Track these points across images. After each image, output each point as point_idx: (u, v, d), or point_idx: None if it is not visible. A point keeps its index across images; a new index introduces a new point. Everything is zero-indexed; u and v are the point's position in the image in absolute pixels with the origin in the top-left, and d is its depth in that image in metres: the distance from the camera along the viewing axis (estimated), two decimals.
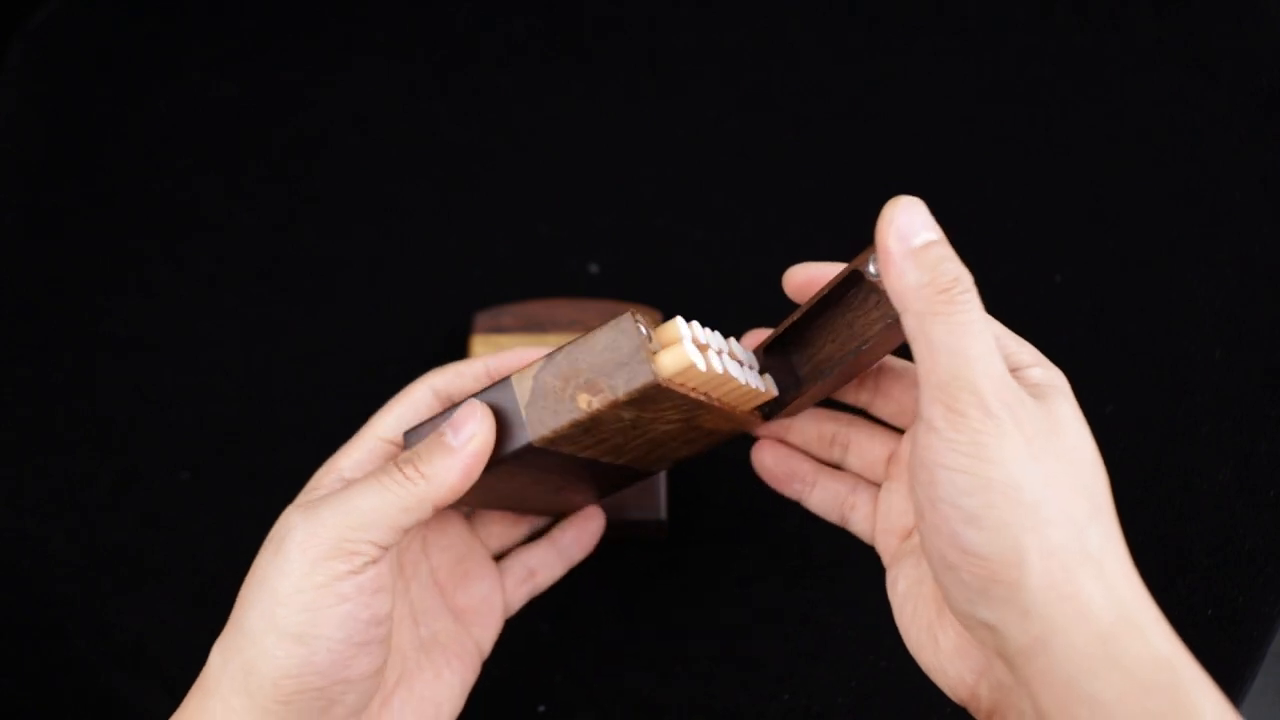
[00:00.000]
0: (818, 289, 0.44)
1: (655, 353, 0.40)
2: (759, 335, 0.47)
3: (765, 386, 0.45)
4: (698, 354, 0.41)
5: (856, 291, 0.44)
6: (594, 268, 0.66)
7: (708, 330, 0.43)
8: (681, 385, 0.41)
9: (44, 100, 0.73)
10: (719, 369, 0.42)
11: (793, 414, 0.48)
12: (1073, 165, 0.68)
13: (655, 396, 0.41)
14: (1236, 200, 0.66)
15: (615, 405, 0.41)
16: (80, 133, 0.71)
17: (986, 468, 0.36)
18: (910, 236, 0.37)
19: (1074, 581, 0.37)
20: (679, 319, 0.41)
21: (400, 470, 0.41)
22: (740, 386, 0.43)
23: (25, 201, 0.70)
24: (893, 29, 0.72)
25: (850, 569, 0.58)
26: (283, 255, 0.68)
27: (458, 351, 0.63)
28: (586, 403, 0.41)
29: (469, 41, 0.73)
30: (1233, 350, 0.62)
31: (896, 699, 0.57)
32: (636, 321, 0.40)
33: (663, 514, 0.58)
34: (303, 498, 0.45)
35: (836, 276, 0.43)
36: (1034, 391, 0.39)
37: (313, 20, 0.73)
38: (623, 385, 0.40)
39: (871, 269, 0.41)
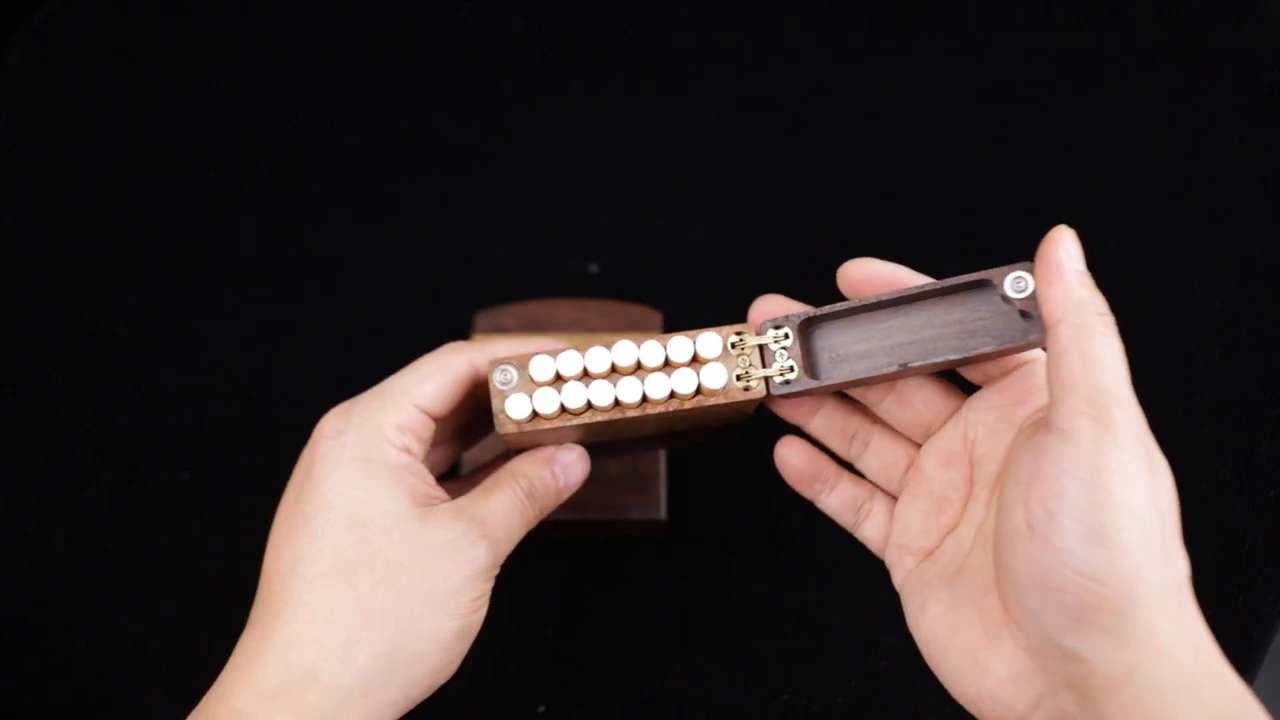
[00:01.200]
0: (874, 289, 0.44)
1: (503, 409, 0.43)
2: (773, 302, 0.45)
3: (694, 385, 0.43)
4: (547, 400, 0.43)
5: (932, 303, 0.43)
6: (594, 268, 0.66)
7: (599, 351, 0.43)
8: (551, 421, 0.44)
9: (44, 100, 0.73)
10: (577, 403, 0.43)
11: (805, 396, 0.46)
12: (1073, 165, 0.68)
13: (528, 436, 0.45)
14: (1236, 200, 0.66)
15: (509, 438, 0.45)
16: (80, 133, 0.71)
17: (1124, 488, 0.37)
18: (1077, 260, 0.40)
19: (1167, 615, 0.37)
20: (535, 359, 0.43)
21: (528, 504, 0.47)
22: (633, 403, 0.43)
23: (25, 201, 0.70)
24: (893, 29, 0.72)
25: (850, 569, 0.58)
26: (283, 255, 0.68)
27: None
28: (500, 426, 0.45)
29: (469, 41, 0.73)
30: (1233, 350, 0.62)
31: (896, 699, 0.57)
32: (496, 367, 0.43)
33: (663, 514, 0.58)
34: (331, 440, 0.46)
35: (924, 285, 0.43)
36: None
37: (313, 20, 0.73)
38: (499, 428, 0.44)
39: (1009, 289, 0.42)
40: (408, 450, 0.46)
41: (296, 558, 0.44)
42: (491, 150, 0.70)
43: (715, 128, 0.70)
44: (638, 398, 0.43)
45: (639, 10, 0.73)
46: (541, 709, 0.57)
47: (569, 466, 0.48)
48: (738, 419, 0.50)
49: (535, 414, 0.43)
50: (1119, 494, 0.37)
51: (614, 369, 0.43)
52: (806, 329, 0.44)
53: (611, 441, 0.51)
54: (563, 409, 0.43)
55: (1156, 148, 0.67)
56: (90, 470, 0.63)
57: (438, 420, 0.48)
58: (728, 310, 0.51)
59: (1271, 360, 0.62)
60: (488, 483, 0.47)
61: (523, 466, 0.48)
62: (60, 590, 0.60)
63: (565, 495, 0.49)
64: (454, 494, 0.48)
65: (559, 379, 0.43)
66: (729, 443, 0.54)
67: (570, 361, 0.43)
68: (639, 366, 0.43)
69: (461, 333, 0.64)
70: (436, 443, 0.52)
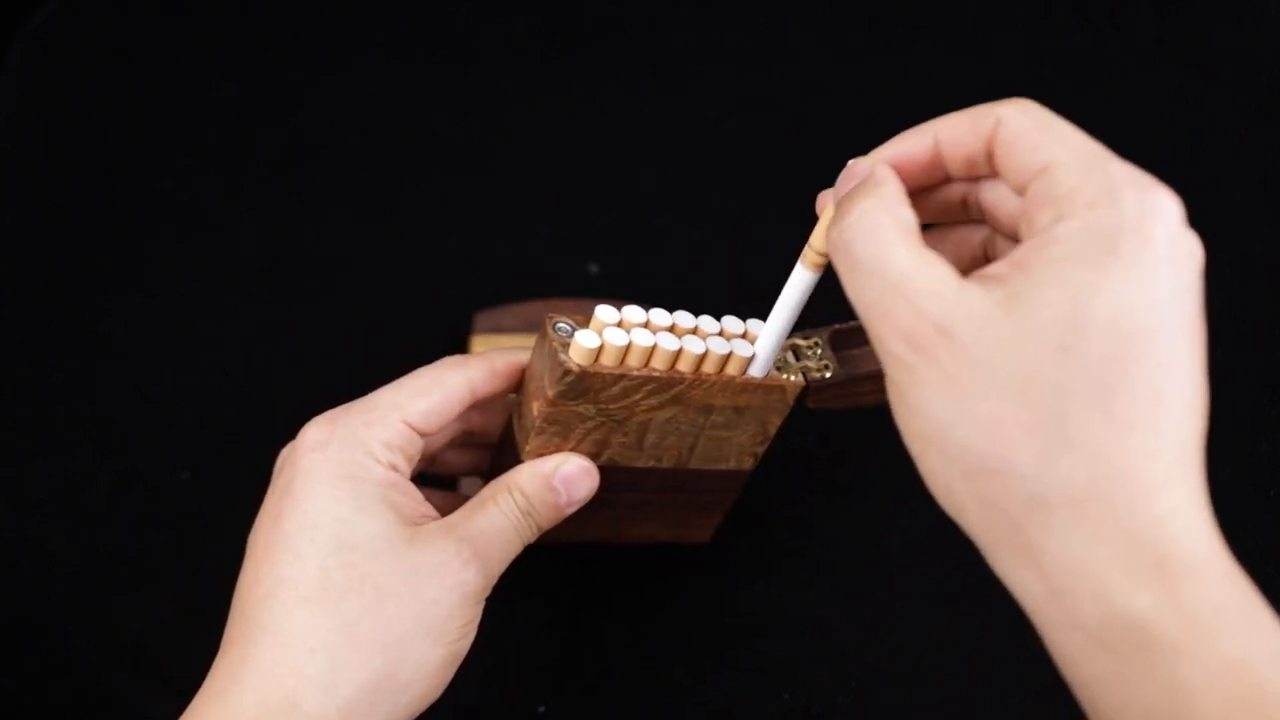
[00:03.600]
0: None
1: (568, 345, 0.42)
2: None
3: (751, 352, 0.45)
4: (616, 334, 0.42)
5: None
6: (594, 268, 0.66)
7: (661, 311, 0.44)
8: (613, 368, 0.43)
9: (44, 100, 0.73)
10: (645, 343, 0.43)
11: (831, 397, 0.48)
12: None
13: (584, 384, 0.42)
14: (1236, 200, 0.66)
15: (553, 403, 0.43)
16: (80, 133, 0.71)
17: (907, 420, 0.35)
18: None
19: (1020, 531, 0.33)
20: (600, 307, 0.43)
21: (525, 522, 0.45)
22: (695, 356, 0.44)
23: (25, 201, 0.70)
24: (893, 29, 0.72)
25: (851, 569, 0.58)
26: (283, 255, 0.68)
27: (458, 352, 0.63)
28: (537, 409, 0.44)
29: (469, 41, 0.73)
30: (1233, 350, 0.62)
31: (896, 699, 0.57)
32: (553, 323, 0.43)
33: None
34: (314, 453, 0.44)
35: None
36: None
37: (313, 20, 0.74)
38: (550, 383, 0.42)
39: None
40: (394, 468, 0.44)
41: (277, 580, 0.42)
42: (491, 150, 0.70)
43: (715, 128, 0.70)
44: (700, 350, 0.44)
45: (639, 10, 0.73)
46: (542, 709, 0.57)
47: (572, 481, 0.45)
48: (726, 501, 0.53)
49: (603, 348, 0.42)
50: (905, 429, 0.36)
51: (673, 329, 0.44)
52: (837, 340, 0.47)
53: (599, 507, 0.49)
54: (628, 348, 0.43)
55: (1156, 148, 0.67)
56: (90, 470, 0.63)
57: (427, 437, 0.46)
58: (728, 310, 0.51)
59: (1271, 360, 0.62)
60: (482, 494, 0.45)
61: (520, 480, 0.45)
62: (60, 590, 0.60)
63: (569, 512, 0.46)
64: (447, 509, 0.45)
65: (622, 325, 0.43)
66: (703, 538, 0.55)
67: (634, 313, 0.44)
68: (695, 331, 0.45)
69: (461, 332, 0.64)
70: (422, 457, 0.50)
